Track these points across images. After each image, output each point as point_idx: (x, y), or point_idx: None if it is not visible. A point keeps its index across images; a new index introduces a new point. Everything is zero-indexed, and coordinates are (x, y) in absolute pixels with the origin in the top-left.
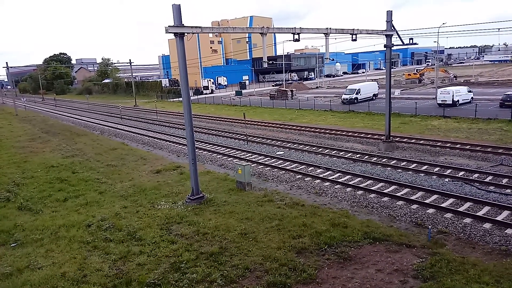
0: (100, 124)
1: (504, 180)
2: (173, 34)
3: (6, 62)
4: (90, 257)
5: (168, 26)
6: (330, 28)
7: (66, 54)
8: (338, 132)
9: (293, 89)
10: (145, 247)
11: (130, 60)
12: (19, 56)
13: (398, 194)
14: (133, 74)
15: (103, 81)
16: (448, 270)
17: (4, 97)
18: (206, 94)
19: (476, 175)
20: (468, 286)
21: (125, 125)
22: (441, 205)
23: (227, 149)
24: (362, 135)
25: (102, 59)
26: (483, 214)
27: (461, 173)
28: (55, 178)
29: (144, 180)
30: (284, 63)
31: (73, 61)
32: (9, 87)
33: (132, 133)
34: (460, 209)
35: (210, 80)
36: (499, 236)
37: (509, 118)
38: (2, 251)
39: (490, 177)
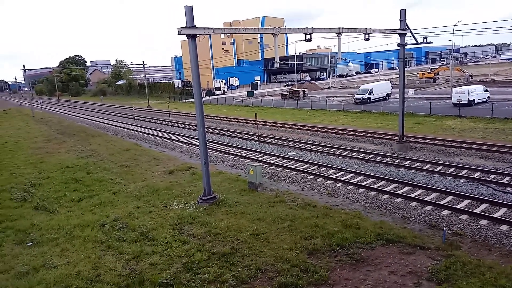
0: (114, 125)
1: None
2: (185, 36)
3: (23, 65)
4: (104, 257)
5: (181, 27)
6: (342, 28)
7: (81, 56)
8: (350, 133)
9: (305, 89)
10: (157, 247)
11: (143, 61)
12: (36, 59)
13: (412, 195)
14: (146, 75)
15: (117, 83)
16: (463, 273)
17: (21, 99)
18: (218, 95)
19: (492, 176)
20: None
21: (138, 126)
22: (456, 207)
23: (239, 150)
24: (375, 136)
25: (116, 61)
26: (500, 216)
27: (477, 174)
28: (70, 179)
29: (157, 180)
30: (296, 63)
31: (88, 63)
32: (26, 89)
33: (145, 134)
34: (476, 211)
35: (222, 81)
36: None
37: None
38: (18, 250)
39: (507, 178)
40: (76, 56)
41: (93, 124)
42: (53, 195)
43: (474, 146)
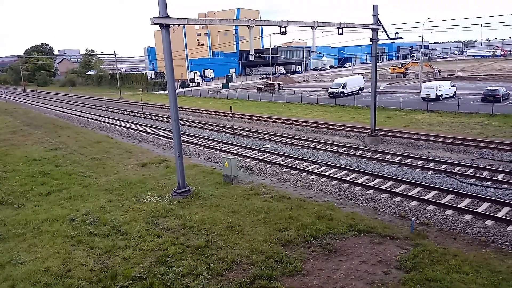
0: (84, 117)
1: (485, 173)
2: (158, 26)
3: None
4: (74, 252)
5: (154, 17)
6: (317, 22)
7: (48, 45)
8: (324, 126)
9: (280, 82)
10: (130, 241)
11: (114, 51)
12: None
13: (383, 187)
14: (117, 66)
15: (87, 73)
16: (430, 261)
17: None
18: (192, 87)
19: (458, 168)
20: (449, 276)
21: (110, 118)
22: (424, 198)
23: (214, 143)
24: (348, 129)
25: (85, 50)
26: (464, 206)
27: (444, 166)
28: (38, 172)
29: (129, 173)
30: (271, 56)
31: (56, 52)
32: None
33: (117, 126)
34: (442, 201)
35: (196, 72)
36: (479, 227)
37: (490, 112)
38: None
39: (471, 170)
40: (43, 44)
41: (62, 115)
42: (19, 189)
43: (441, 139)
